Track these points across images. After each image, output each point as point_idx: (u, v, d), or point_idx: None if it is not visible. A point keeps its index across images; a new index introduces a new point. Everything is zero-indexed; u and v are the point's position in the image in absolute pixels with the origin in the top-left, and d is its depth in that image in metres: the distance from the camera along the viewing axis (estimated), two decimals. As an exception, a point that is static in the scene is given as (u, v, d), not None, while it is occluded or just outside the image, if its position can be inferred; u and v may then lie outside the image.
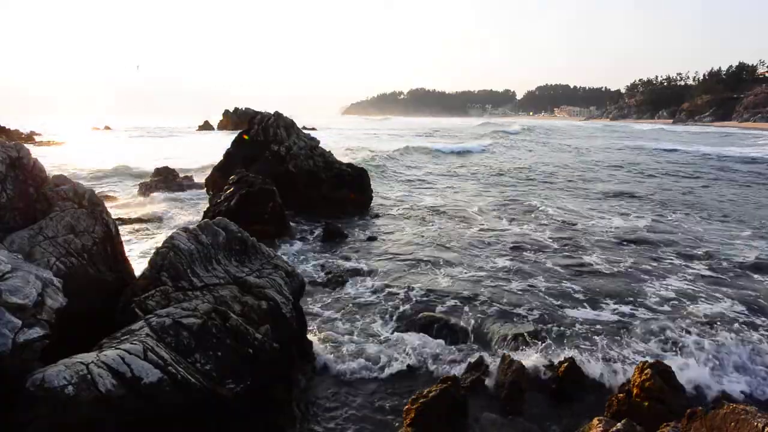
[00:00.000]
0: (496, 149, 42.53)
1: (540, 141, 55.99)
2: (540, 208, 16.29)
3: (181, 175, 21.42)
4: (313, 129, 54.99)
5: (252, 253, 6.76)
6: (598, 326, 7.34)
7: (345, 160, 19.57)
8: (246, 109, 68.07)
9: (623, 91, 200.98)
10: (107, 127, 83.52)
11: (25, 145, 6.30)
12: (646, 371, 5.32)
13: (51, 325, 4.13)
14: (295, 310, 6.42)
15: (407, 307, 8.00)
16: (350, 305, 8.11)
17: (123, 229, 10.03)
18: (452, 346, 6.73)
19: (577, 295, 8.55)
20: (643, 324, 7.42)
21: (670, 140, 57.80)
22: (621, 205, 17.36)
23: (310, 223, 13.93)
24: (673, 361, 6.24)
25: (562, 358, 6.22)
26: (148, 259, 5.85)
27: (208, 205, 14.09)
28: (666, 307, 8.04)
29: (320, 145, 17.95)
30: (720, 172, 28.11)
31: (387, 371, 6.12)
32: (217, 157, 19.00)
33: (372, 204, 16.61)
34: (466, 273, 9.67)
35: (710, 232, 13.32)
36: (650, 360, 5.70)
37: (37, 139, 48.46)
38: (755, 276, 9.66)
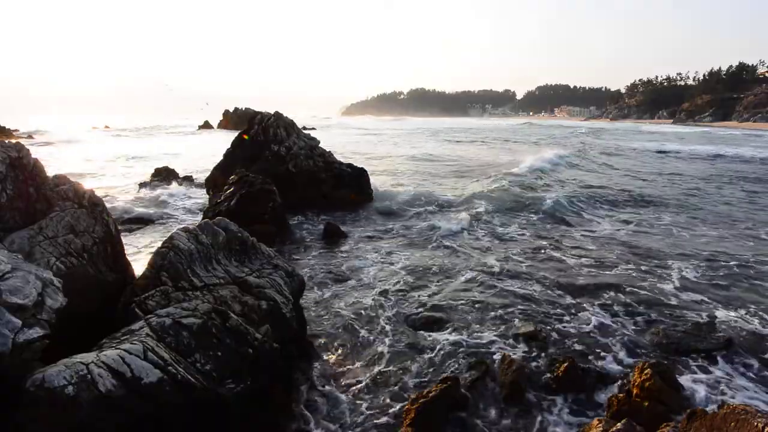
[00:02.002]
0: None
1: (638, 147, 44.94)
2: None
3: (181, 174, 21.44)
4: (313, 129, 54.92)
5: (252, 253, 6.76)
6: (598, 327, 7.34)
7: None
8: (246, 109, 68.25)
9: (623, 91, 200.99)
10: (107, 126, 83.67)
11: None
12: (646, 371, 5.33)
13: (51, 325, 4.13)
14: (295, 310, 6.42)
15: (407, 306, 8.00)
16: (350, 304, 8.11)
17: (123, 229, 10.03)
18: (452, 346, 6.73)
19: (578, 296, 8.55)
20: (644, 325, 7.41)
21: (732, 144, 50.46)
22: None
23: (310, 223, 13.93)
24: (674, 362, 6.26)
25: (562, 358, 6.23)
26: (148, 259, 5.85)
27: (208, 205, 14.10)
28: (670, 309, 8.03)
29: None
30: None
31: (386, 371, 6.12)
32: (217, 157, 19.00)
33: (372, 203, 16.62)
34: (467, 273, 9.66)
35: None
36: (650, 360, 5.71)
37: (37, 138, 48.50)
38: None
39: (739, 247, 11.62)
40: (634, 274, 9.61)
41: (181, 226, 6.52)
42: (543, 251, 11.16)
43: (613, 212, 15.87)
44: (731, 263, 10.24)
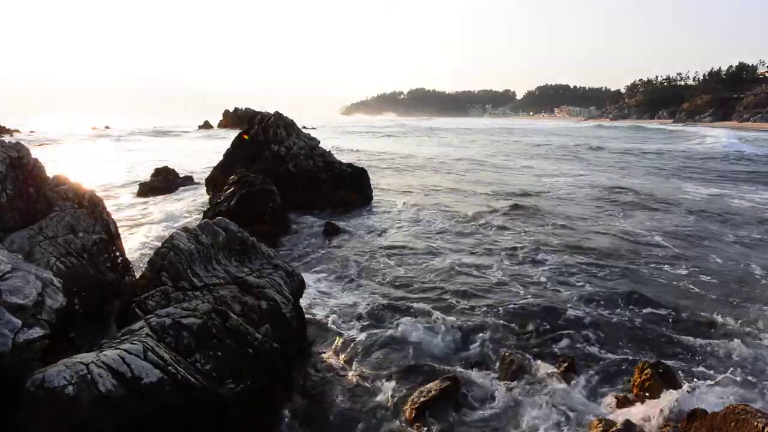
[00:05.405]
0: None
1: None
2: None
3: (181, 174, 21.44)
4: (313, 128, 54.80)
5: (252, 253, 6.76)
6: (599, 326, 7.33)
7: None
8: (246, 109, 68.31)
9: (623, 91, 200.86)
10: (107, 127, 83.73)
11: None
12: (646, 371, 5.34)
13: (51, 325, 4.13)
14: (295, 310, 6.43)
15: (408, 306, 7.99)
16: (350, 304, 8.10)
17: (123, 229, 10.03)
18: (453, 345, 6.73)
19: (578, 296, 8.54)
20: (645, 325, 7.41)
21: None
22: None
23: (310, 223, 13.92)
24: (674, 362, 6.26)
25: (563, 357, 6.23)
26: (148, 259, 5.85)
27: (208, 205, 14.10)
28: (670, 310, 8.02)
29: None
30: None
31: (387, 370, 6.12)
32: (217, 157, 19.02)
33: (372, 203, 16.63)
34: (466, 272, 9.66)
35: None
36: (651, 360, 5.71)
37: (34, 139, 48.50)
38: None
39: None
40: None
41: (181, 226, 6.53)
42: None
43: None
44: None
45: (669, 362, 6.06)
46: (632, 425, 4.28)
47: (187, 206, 16.12)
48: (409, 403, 5.29)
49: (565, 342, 6.82)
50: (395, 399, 5.55)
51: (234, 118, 75.13)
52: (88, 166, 27.80)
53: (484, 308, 7.95)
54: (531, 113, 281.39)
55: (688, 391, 5.43)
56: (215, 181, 16.72)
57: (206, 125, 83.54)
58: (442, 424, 5.04)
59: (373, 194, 17.32)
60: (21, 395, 3.52)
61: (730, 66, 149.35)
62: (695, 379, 5.86)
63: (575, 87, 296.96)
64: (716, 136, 55.11)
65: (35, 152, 6.40)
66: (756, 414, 3.06)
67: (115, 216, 7.05)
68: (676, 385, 5.40)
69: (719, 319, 7.50)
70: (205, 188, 17.65)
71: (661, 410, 5.04)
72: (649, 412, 5.04)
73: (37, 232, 5.42)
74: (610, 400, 5.37)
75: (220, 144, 24.92)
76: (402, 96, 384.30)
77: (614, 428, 4.21)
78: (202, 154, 34.64)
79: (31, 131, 61.65)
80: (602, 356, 6.44)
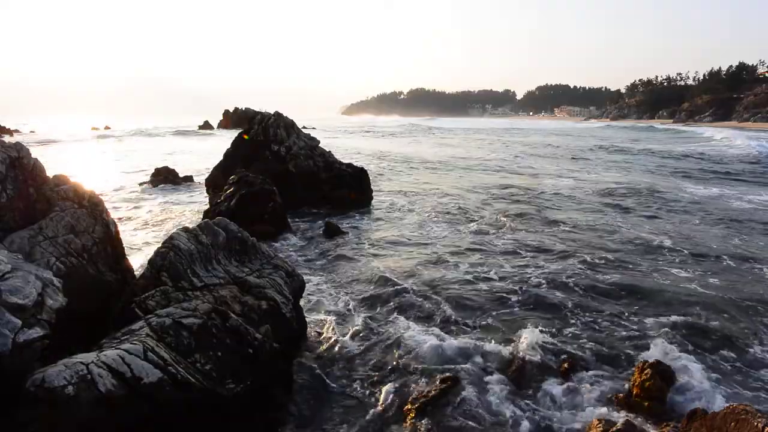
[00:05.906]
0: None
1: None
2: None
3: (181, 174, 21.45)
4: (314, 128, 54.74)
5: (252, 253, 6.76)
6: (600, 325, 7.34)
7: None
8: (246, 109, 68.29)
9: (623, 91, 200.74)
10: (107, 127, 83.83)
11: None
12: (646, 371, 5.34)
13: (51, 325, 4.13)
14: (295, 310, 6.43)
15: (407, 305, 8.00)
16: (351, 304, 8.10)
17: (123, 229, 10.03)
18: (452, 345, 6.72)
19: (578, 295, 8.55)
20: (646, 324, 7.41)
21: None
22: None
23: (310, 223, 13.93)
24: (674, 362, 6.25)
25: (563, 357, 6.23)
26: (148, 259, 5.85)
27: (208, 205, 14.11)
28: (671, 310, 8.03)
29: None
30: None
31: (387, 370, 6.12)
32: (217, 157, 19.01)
33: (372, 204, 16.63)
34: (466, 272, 9.66)
35: None
36: (651, 360, 5.71)
37: (35, 139, 48.50)
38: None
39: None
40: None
41: (181, 226, 6.52)
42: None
43: None
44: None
45: (669, 362, 6.06)
46: (632, 425, 4.28)
47: (187, 206, 16.13)
48: (409, 402, 5.29)
49: (565, 342, 6.82)
50: (395, 399, 5.54)
51: (234, 118, 75.15)
52: (88, 166, 27.82)
53: (484, 309, 7.96)
54: (531, 113, 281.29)
55: (688, 391, 5.44)
56: (215, 181, 16.72)
57: (206, 125, 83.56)
58: (442, 424, 5.04)
59: (373, 194, 17.32)
60: (21, 395, 3.52)
61: (730, 66, 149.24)
62: (695, 379, 5.86)
63: (575, 87, 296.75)
64: (727, 137, 53.19)
65: (35, 152, 6.39)
66: (756, 414, 3.06)
67: (115, 216, 7.04)
68: (676, 385, 5.40)
69: (719, 319, 7.51)
70: (205, 188, 17.65)
71: (661, 410, 5.05)
72: (649, 412, 5.05)
73: (37, 232, 5.42)
74: (610, 400, 5.37)
75: (220, 144, 24.91)
76: (402, 96, 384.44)
77: (614, 428, 4.21)
78: (202, 154, 34.69)
79: (32, 131, 61.81)
80: (602, 356, 6.43)
